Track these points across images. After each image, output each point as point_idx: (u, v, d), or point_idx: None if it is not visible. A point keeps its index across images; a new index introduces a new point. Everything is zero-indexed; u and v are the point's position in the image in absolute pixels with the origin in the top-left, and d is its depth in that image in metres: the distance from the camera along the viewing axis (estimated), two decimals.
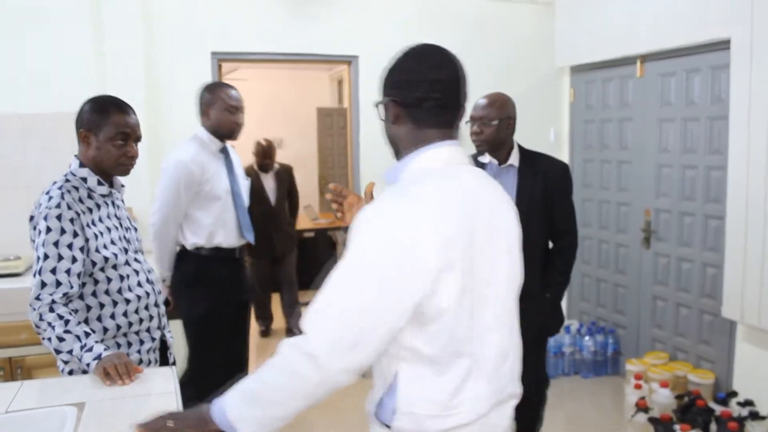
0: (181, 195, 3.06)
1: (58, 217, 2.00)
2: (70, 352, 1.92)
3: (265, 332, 5.81)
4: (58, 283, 1.98)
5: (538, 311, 2.84)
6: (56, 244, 1.99)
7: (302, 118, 9.08)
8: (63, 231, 2.00)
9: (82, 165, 2.14)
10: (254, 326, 5.45)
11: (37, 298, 1.97)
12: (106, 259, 2.09)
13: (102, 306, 2.10)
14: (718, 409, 3.40)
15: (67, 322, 1.95)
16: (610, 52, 4.44)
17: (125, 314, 2.13)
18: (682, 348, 4.11)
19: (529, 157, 2.97)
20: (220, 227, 3.15)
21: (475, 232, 1.40)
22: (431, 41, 1.52)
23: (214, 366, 3.18)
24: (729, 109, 3.48)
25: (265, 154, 5.42)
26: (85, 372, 1.95)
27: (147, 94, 3.97)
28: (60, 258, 1.99)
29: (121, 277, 2.14)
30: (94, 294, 2.09)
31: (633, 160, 4.41)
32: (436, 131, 1.48)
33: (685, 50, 3.91)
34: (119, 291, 2.13)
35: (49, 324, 1.94)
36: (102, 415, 1.67)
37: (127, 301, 2.14)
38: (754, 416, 3.29)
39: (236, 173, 3.25)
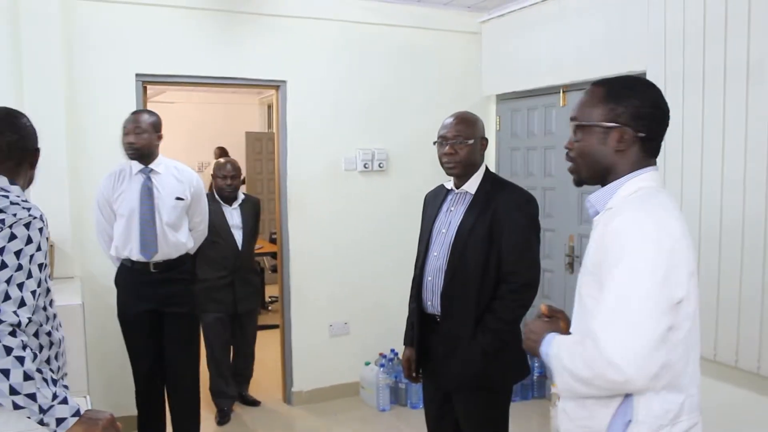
0: (99, 210, 3.47)
1: (40, 230, 1.73)
2: (32, 396, 1.54)
3: (224, 418, 4.36)
4: (23, 303, 1.63)
5: (465, 359, 2.50)
6: (31, 258, 1.68)
7: (231, 142, 8.96)
8: (39, 248, 1.71)
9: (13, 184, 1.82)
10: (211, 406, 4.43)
11: None
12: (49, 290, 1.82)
13: (41, 348, 1.77)
14: None
15: (34, 357, 1.60)
16: (534, 82, 4.57)
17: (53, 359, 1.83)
18: None
19: (490, 185, 2.60)
20: (127, 242, 3.41)
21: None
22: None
23: (134, 365, 3.56)
24: None
25: (222, 173, 4.48)
26: (41, 423, 1.58)
27: (68, 116, 3.83)
28: (29, 275, 1.67)
29: (48, 318, 1.82)
30: (35, 334, 1.75)
31: (557, 187, 4.54)
32: (650, 158, 1.60)
33: None
34: (48, 334, 1.80)
35: (8, 350, 1.54)
36: None
37: (51, 345, 1.82)
38: None
39: (157, 194, 3.42)
